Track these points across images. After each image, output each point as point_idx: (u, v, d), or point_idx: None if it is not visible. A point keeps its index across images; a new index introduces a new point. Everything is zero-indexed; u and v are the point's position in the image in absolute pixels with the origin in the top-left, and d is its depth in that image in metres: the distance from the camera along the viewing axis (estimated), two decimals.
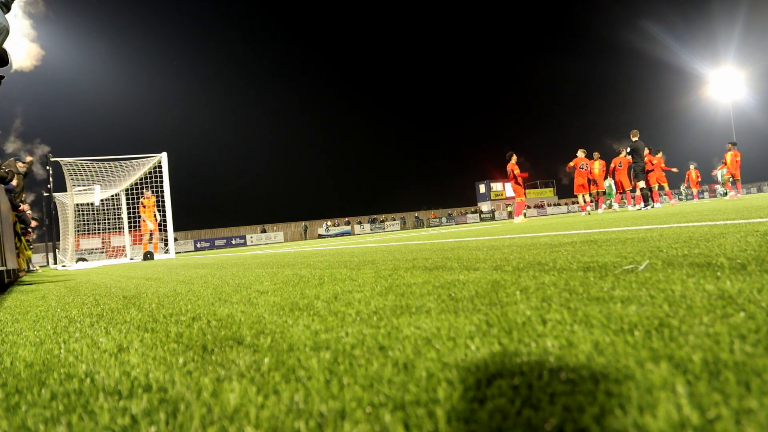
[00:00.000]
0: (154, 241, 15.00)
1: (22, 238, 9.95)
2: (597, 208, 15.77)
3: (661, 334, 0.86)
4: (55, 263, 15.70)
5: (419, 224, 52.82)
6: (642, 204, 13.70)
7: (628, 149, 13.78)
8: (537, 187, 58.13)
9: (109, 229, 17.53)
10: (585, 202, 15.36)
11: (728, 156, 16.97)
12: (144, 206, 14.80)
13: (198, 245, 42.59)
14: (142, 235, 14.92)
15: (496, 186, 55.50)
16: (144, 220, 14.67)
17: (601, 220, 7.75)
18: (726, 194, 17.10)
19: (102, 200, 16.01)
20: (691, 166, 20.79)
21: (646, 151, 14.93)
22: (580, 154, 15.23)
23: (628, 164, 14.87)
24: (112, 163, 15.47)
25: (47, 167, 14.35)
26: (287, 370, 0.89)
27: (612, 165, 15.60)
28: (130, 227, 16.91)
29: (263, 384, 0.83)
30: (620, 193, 15.83)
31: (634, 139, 13.65)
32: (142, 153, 15.67)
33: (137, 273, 5.67)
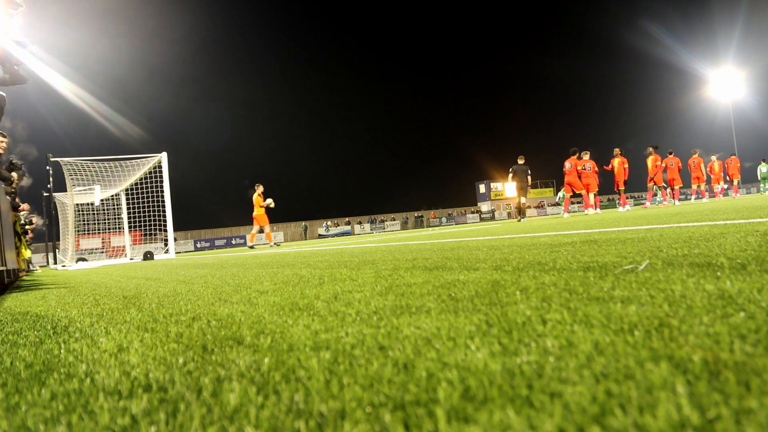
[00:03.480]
0: (268, 230, 15.16)
1: (22, 238, 9.95)
2: (596, 207, 15.96)
3: (661, 334, 0.86)
4: (55, 263, 15.70)
5: (419, 224, 52.82)
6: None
7: (512, 168, 15.53)
8: (537, 187, 58.13)
9: (109, 229, 17.53)
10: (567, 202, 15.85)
11: (649, 161, 16.54)
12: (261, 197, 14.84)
13: (198, 245, 42.61)
14: (258, 228, 15.03)
15: (496, 186, 55.49)
16: (264, 215, 14.82)
17: (601, 219, 7.75)
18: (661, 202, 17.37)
19: (102, 200, 16.01)
20: (713, 158, 20.88)
21: (650, 150, 15.98)
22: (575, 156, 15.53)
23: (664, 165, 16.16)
24: (112, 163, 15.48)
25: (47, 167, 14.35)
26: (287, 370, 0.89)
27: (663, 164, 16.85)
28: (130, 227, 16.91)
29: (263, 384, 0.83)
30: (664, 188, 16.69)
31: (520, 162, 15.39)
32: (142, 153, 15.68)
33: (137, 273, 5.67)
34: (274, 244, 15.40)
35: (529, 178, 15.61)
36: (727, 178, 21.02)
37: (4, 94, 3.32)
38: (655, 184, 16.57)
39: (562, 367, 0.74)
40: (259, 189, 14.84)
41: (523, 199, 15.52)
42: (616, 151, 15.76)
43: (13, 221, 7.46)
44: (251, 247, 15.13)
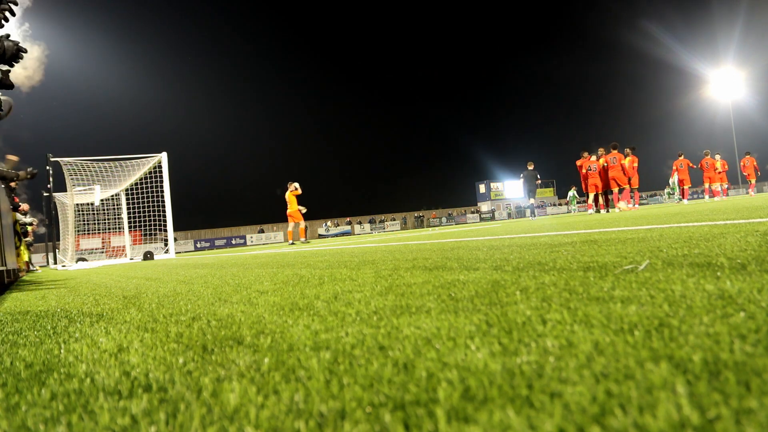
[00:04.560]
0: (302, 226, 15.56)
1: (22, 238, 9.94)
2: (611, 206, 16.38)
3: (661, 334, 0.86)
4: (55, 263, 15.71)
5: (419, 224, 52.83)
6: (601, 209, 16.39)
7: (524, 174, 17.41)
8: (537, 187, 57.99)
9: (109, 229, 17.53)
10: (595, 201, 16.43)
11: (626, 162, 16.49)
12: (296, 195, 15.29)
13: (198, 245, 42.60)
14: (295, 224, 15.43)
15: (496, 186, 55.46)
16: (299, 209, 15.23)
17: (601, 219, 7.75)
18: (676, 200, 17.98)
19: (102, 200, 16.01)
20: (717, 157, 20.96)
21: (628, 151, 16.58)
22: (589, 156, 16.31)
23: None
24: (112, 163, 15.49)
25: (47, 167, 14.35)
26: (287, 370, 0.89)
27: (676, 166, 18.51)
28: (130, 227, 16.91)
29: (263, 384, 0.83)
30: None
31: (530, 168, 17.23)
32: (142, 153, 15.69)
33: (137, 273, 5.67)
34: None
35: (538, 182, 17.52)
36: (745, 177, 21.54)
37: (10, 99, 3.36)
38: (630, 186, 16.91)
39: (562, 367, 0.74)
40: (292, 186, 15.21)
41: (532, 201, 17.56)
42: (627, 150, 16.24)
43: (13, 221, 7.46)
44: (304, 242, 15.46)
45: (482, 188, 56.01)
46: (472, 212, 54.12)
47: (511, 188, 55.66)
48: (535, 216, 17.37)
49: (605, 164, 15.70)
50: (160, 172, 15.69)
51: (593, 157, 16.20)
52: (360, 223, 51.49)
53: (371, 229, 49.31)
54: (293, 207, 15.18)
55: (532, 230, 6.17)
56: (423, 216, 54.58)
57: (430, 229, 25.41)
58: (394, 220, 53.61)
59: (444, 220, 52.72)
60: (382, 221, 52.79)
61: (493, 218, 50.21)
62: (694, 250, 2.00)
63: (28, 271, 12.19)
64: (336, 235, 44.73)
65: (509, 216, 49.96)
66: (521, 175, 17.66)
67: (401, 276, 2.22)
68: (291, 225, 15.40)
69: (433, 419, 0.61)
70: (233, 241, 44.82)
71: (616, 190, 15.59)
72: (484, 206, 54.69)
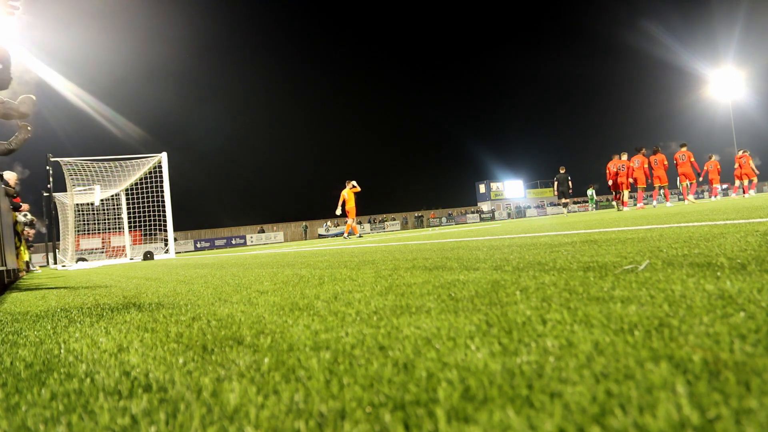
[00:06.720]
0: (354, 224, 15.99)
1: (22, 238, 9.94)
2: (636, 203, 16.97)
3: (661, 334, 0.86)
4: (55, 263, 15.70)
5: (419, 224, 52.82)
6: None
7: (557, 177, 19.15)
8: (537, 187, 58.11)
9: (109, 229, 17.53)
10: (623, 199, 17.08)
11: (611, 164, 16.94)
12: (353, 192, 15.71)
13: (198, 245, 42.59)
14: (350, 221, 15.77)
15: (496, 186, 55.47)
16: (354, 208, 15.66)
17: (601, 219, 7.75)
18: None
19: (102, 200, 16.01)
20: (715, 157, 21.28)
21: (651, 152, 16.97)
22: (623, 157, 16.89)
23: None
24: (112, 163, 15.48)
25: (47, 167, 14.35)
26: (287, 370, 0.89)
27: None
28: (130, 227, 16.91)
29: (263, 384, 0.83)
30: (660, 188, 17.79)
31: (562, 171, 18.92)
32: (142, 153, 15.68)
33: (137, 273, 5.67)
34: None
35: (570, 183, 19.09)
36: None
37: (34, 97, 3.33)
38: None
39: (562, 367, 0.74)
40: (350, 184, 15.62)
41: (565, 200, 19.54)
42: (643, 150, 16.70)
43: (13, 221, 7.45)
44: (346, 238, 15.72)
45: (482, 188, 56.03)
46: (472, 212, 54.12)
47: (511, 188, 55.67)
48: (569, 211, 19.11)
49: (675, 161, 16.17)
50: (160, 172, 15.69)
51: (624, 156, 16.70)
52: (360, 223, 51.46)
53: (371, 229, 49.31)
54: (351, 204, 15.61)
55: (532, 230, 6.17)
56: (423, 216, 54.58)
57: (430, 229, 25.47)
58: (394, 220, 53.60)
59: (444, 220, 52.73)
60: (382, 221, 52.78)
61: (493, 218, 50.21)
62: (694, 250, 2.00)
63: (28, 271, 12.19)
64: (336, 235, 44.71)
65: (509, 216, 49.97)
66: (555, 178, 19.35)
67: (401, 276, 2.22)
68: (349, 220, 15.86)
69: (433, 419, 0.61)
70: (233, 241, 44.80)
71: (686, 183, 16.28)
72: (484, 206, 54.72)
